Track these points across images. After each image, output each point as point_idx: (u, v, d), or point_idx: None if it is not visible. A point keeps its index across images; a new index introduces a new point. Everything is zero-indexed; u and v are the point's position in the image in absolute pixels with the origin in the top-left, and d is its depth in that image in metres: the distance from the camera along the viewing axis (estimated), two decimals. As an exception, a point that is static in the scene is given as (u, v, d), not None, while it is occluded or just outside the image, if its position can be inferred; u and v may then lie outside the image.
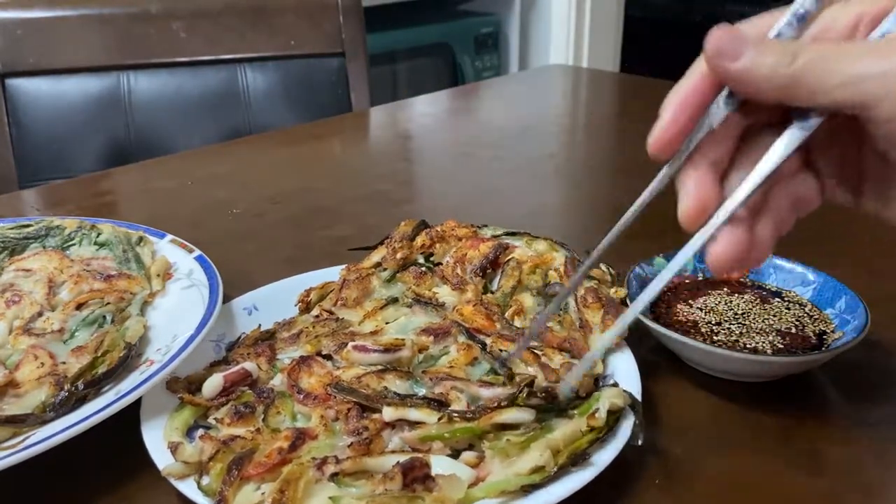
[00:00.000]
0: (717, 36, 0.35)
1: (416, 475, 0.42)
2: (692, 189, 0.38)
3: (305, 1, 1.42)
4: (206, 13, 1.37)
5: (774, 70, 0.34)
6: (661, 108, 0.37)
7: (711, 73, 0.36)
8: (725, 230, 0.37)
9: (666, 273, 0.40)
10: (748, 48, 0.34)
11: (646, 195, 0.39)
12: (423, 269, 0.65)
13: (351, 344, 0.54)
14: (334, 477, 0.43)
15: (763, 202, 0.39)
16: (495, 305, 0.60)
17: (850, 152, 0.38)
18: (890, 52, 0.32)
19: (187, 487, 0.44)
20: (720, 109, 0.37)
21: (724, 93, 0.36)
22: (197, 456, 0.45)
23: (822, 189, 0.40)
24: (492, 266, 0.64)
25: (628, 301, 0.59)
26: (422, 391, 0.51)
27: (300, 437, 0.46)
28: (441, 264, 0.66)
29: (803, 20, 0.36)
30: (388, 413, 0.47)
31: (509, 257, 0.65)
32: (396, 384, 0.51)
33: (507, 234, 0.69)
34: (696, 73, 0.36)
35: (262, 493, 0.43)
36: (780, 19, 0.36)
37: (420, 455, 0.44)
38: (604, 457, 0.45)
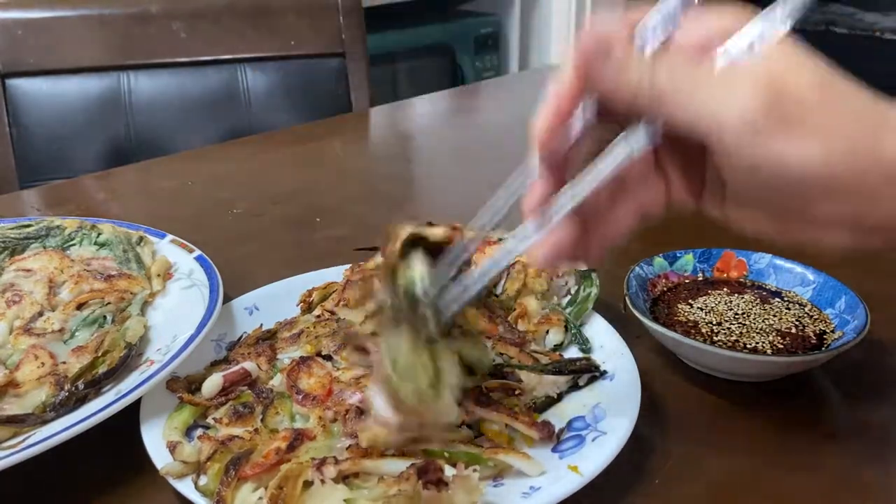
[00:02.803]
0: (586, 41, 0.36)
1: (430, 477, 0.42)
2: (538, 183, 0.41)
3: (305, 1, 1.42)
4: (207, 13, 1.37)
5: (637, 87, 0.36)
6: (547, 104, 0.40)
7: (583, 72, 0.37)
8: (557, 228, 0.39)
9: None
10: (615, 55, 0.36)
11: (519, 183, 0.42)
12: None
13: (351, 344, 0.54)
14: (346, 479, 0.43)
15: (606, 206, 0.40)
16: (499, 308, 0.60)
17: (695, 159, 0.39)
18: (726, 92, 0.34)
19: (186, 487, 0.44)
20: (589, 114, 0.39)
21: (588, 100, 0.38)
22: (196, 455, 0.45)
23: (667, 194, 0.41)
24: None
25: (628, 301, 0.59)
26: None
27: (298, 438, 0.46)
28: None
29: (670, 19, 0.37)
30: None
31: (515, 260, 0.65)
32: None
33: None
34: (568, 68, 0.38)
35: (260, 499, 0.43)
36: (647, 17, 0.37)
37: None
38: (603, 456, 0.45)
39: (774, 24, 0.35)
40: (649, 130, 0.37)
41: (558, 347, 0.59)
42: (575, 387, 0.54)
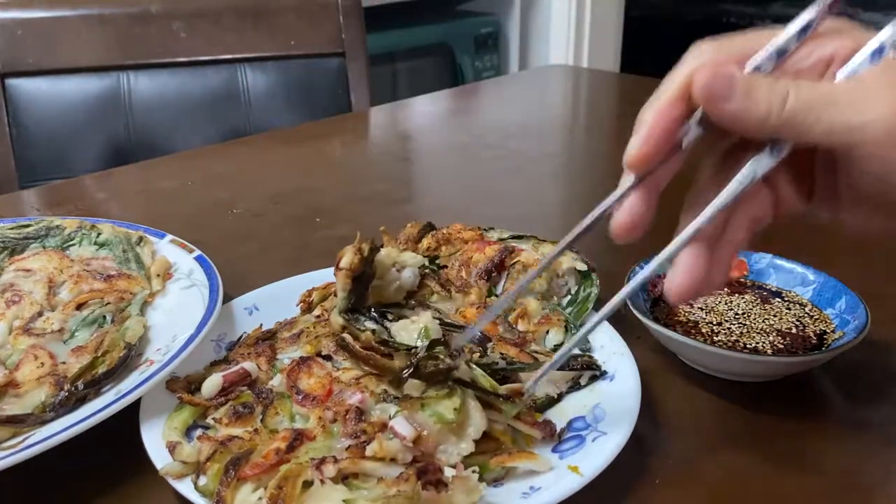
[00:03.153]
0: (707, 77, 0.35)
1: (429, 478, 0.42)
2: (629, 207, 0.39)
3: (305, 1, 1.42)
4: (206, 13, 1.37)
5: (766, 115, 0.35)
6: (637, 123, 0.38)
7: (695, 103, 0.37)
8: (684, 256, 0.39)
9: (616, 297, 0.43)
10: (737, 90, 0.35)
11: (610, 201, 0.40)
12: (428, 271, 0.65)
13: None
14: (345, 480, 0.43)
15: (722, 228, 0.40)
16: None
17: (805, 167, 0.40)
18: (866, 103, 0.35)
19: (185, 487, 0.44)
20: (692, 130, 0.38)
21: (698, 115, 0.37)
22: (195, 456, 0.45)
23: (776, 204, 0.41)
24: (497, 269, 0.64)
25: (628, 301, 0.59)
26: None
27: (298, 438, 0.46)
28: (446, 267, 0.66)
29: (783, 54, 0.38)
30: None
31: (515, 260, 0.65)
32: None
33: (514, 237, 0.68)
34: (673, 94, 0.37)
35: (260, 499, 0.43)
36: (759, 47, 0.37)
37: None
38: (603, 456, 0.45)
39: (891, 36, 0.36)
40: (775, 151, 0.37)
41: (558, 347, 0.59)
42: (575, 387, 0.54)
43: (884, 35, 0.37)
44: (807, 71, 0.38)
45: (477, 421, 0.47)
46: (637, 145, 0.38)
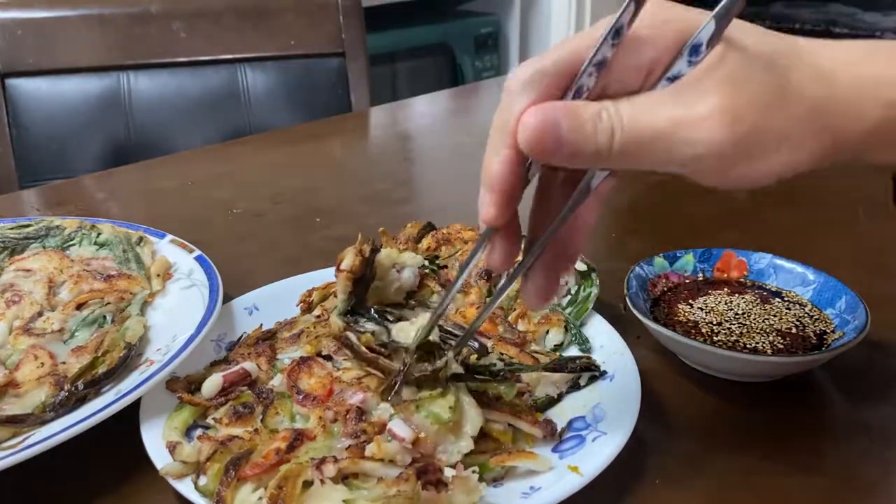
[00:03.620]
0: (531, 132, 0.35)
1: (429, 478, 0.42)
2: (500, 249, 0.42)
3: (305, 1, 1.42)
4: (206, 13, 1.37)
5: (597, 157, 0.36)
6: (482, 184, 0.39)
7: (521, 154, 0.37)
8: (537, 272, 0.42)
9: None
10: (562, 140, 0.35)
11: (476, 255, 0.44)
12: (428, 271, 0.65)
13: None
14: (345, 480, 0.43)
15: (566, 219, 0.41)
16: (499, 308, 0.60)
17: None
18: (693, 130, 0.35)
19: (185, 487, 0.44)
20: (534, 166, 0.40)
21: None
22: (195, 456, 0.45)
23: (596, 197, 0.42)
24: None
25: (628, 301, 0.59)
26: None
27: (298, 438, 0.46)
28: (446, 267, 0.66)
29: (602, 65, 0.37)
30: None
31: (515, 260, 0.65)
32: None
33: None
34: (508, 150, 0.38)
35: (260, 499, 0.43)
36: (579, 60, 0.37)
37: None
38: (603, 456, 0.45)
39: (708, 33, 0.35)
40: (603, 174, 0.39)
41: (558, 348, 0.59)
42: (575, 387, 0.54)
43: (702, 32, 0.36)
44: (630, 79, 0.37)
45: (473, 417, 0.47)
46: (491, 210, 0.39)
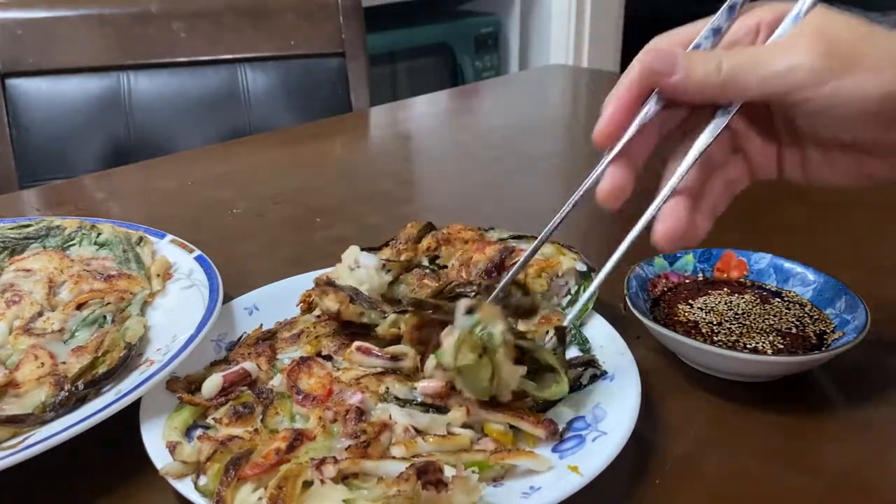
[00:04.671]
0: (651, 56, 0.43)
1: (429, 478, 0.42)
2: (609, 175, 0.46)
3: (305, 1, 1.42)
4: (206, 13, 1.37)
5: (705, 80, 0.42)
6: (603, 107, 0.45)
7: (647, 83, 0.44)
8: (667, 209, 0.45)
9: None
10: (678, 64, 0.42)
11: (589, 181, 0.47)
12: (428, 271, 0.65)
13: (355, 344, 0.54)
14: (345, 480, 0.43)
15: (701, 187, 0.46)
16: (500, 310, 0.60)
17: (770, 135, 0.47)
18: (789, 52, 0.41)
19: (186, 487, 0.44)
20: (651, 107, 0.45)
21: (654, 95, 0.44)
22: (195, 456, 0.45)
23: (750, 169, 0.48)
24: (497, 269, 0.64)
25: (628, 301, 0.59)
26: (420, 397, 0.51)
27: (298, 438, 0.46)
28: (446, 267, 0.66)
29: (718, 32, 0.45)
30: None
31: (515, 260, 0.65)
32: (396, 387, 0.51)
33: (514, 237, 0.68)
34: (631, 78, 0.44)
35: (260, 499, 0.43)
36: (699, 32, 0.45)
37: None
38: (603, 456, 0.45)
39: (806, 3, 0.43)
40: (723, 112, 0.44)
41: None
42: (575, 387, 0.54)
43: (801, 3, 0.43)
44: (739, 42, 0.45)
45: (511, 374, 0.48)
46: (601, 125, 0.44)
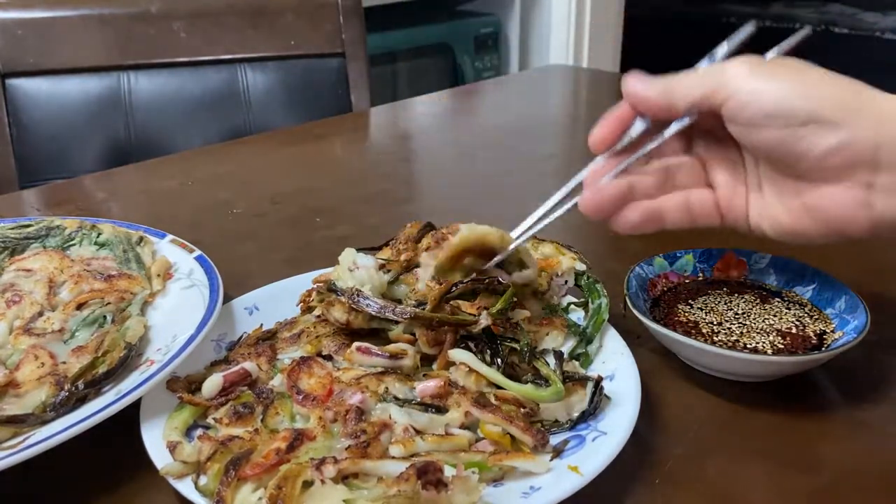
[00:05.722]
0: (631, 83, 0.51)
1: (429, 478, 0.41)
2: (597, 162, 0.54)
3: (305, 1, 1.42)
4: (207, 13, 1.37)
5: (657, 94, 0.50)
6: (601, 119, 0.52)
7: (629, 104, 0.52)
8: (604, 183, 0.51)
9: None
10: (643, 85, 0.51)
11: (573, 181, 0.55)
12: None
13: (355, 344, 0.54)
14: (345, 480, 0.43)
15: (656, 188, 0.52)
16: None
17: (736, 174, 0.52)
18: (726, 70, 0.48)
19: (186, 487, 0.44)
20: (638, 126, 0.52)
21: (640, 119, 0.52)
22: (195, 455, 0.45)
23: (718, 206, 0.52)
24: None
25: (628, 301, 0.59)
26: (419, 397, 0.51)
27: (298, 438, 0.46)
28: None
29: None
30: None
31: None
32: (396, 387, 0.51)
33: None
34: (622, 104, 0.52)
35: (260, 499, 0.43)
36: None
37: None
38: (603, 456, 0.45)
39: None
40: (681, 120, 0.51)
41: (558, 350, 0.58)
42: (589, 411, 0.53)
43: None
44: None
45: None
46: (595, 131, 0.52)
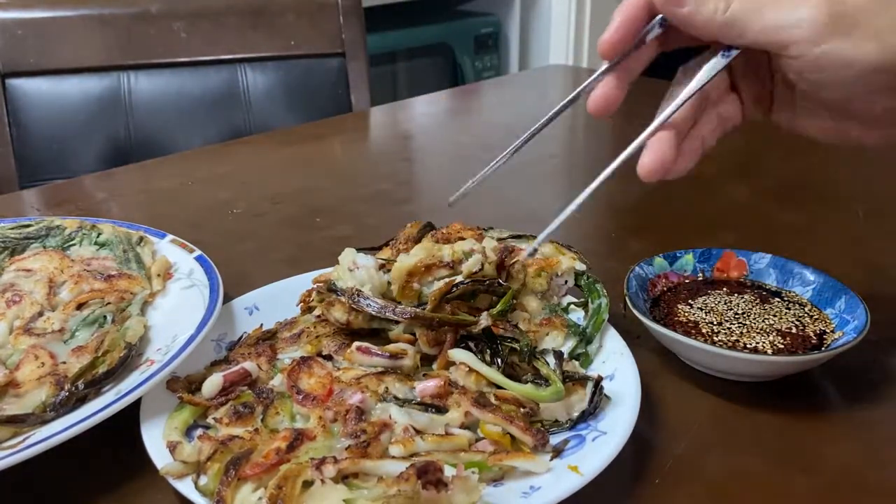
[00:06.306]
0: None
1: (429, 478, 0.41)
2: (602, 84, 0.49)
3: (305, 1, 1.42)
4: (207, 13, 1.37)
5: (711, 17, 0.43)
6: (611, 19, 0.47)
7: (658, 8, 0.45)
8: (655, 141, 0.46)
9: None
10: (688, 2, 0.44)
11: (589, 82, 0.50)
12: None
13: (355, 344, 0.54)
14: (345, 479, 0.43)
15: (693, 123, 0.48)
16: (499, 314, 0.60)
17: (764, 79, 0.49)
18: (795, 7, 0.42)
19: (186, 487, 0.44)
20: (655, 29, 0.47)
21: (659, 17, 0.47)
22: (195, 455, 0.45)
23: (743, 109, 0.50)
24: (497, 269, 0.64)
25: (628, 301, 0.59)
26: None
27: (298, 438, 0.46)
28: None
29: None
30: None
31: (514, 260, 0.65)
32: (396, 387, 0.51)
33: (513, 236, 0.68)
34: (632, 3, 0.46)
35: (260, 499, 0.43)
36: None
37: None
38: (603, 456, 0.45)
39: None
40: (726, 54, 0.45)
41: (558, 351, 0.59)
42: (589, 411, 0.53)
43: None
44: None
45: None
46: (606, 35, 0.47)
